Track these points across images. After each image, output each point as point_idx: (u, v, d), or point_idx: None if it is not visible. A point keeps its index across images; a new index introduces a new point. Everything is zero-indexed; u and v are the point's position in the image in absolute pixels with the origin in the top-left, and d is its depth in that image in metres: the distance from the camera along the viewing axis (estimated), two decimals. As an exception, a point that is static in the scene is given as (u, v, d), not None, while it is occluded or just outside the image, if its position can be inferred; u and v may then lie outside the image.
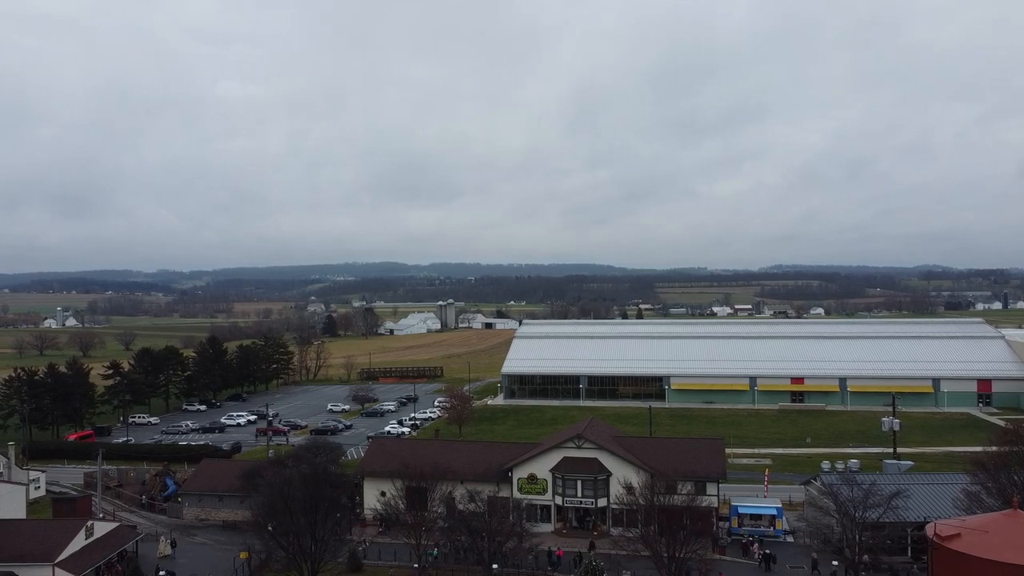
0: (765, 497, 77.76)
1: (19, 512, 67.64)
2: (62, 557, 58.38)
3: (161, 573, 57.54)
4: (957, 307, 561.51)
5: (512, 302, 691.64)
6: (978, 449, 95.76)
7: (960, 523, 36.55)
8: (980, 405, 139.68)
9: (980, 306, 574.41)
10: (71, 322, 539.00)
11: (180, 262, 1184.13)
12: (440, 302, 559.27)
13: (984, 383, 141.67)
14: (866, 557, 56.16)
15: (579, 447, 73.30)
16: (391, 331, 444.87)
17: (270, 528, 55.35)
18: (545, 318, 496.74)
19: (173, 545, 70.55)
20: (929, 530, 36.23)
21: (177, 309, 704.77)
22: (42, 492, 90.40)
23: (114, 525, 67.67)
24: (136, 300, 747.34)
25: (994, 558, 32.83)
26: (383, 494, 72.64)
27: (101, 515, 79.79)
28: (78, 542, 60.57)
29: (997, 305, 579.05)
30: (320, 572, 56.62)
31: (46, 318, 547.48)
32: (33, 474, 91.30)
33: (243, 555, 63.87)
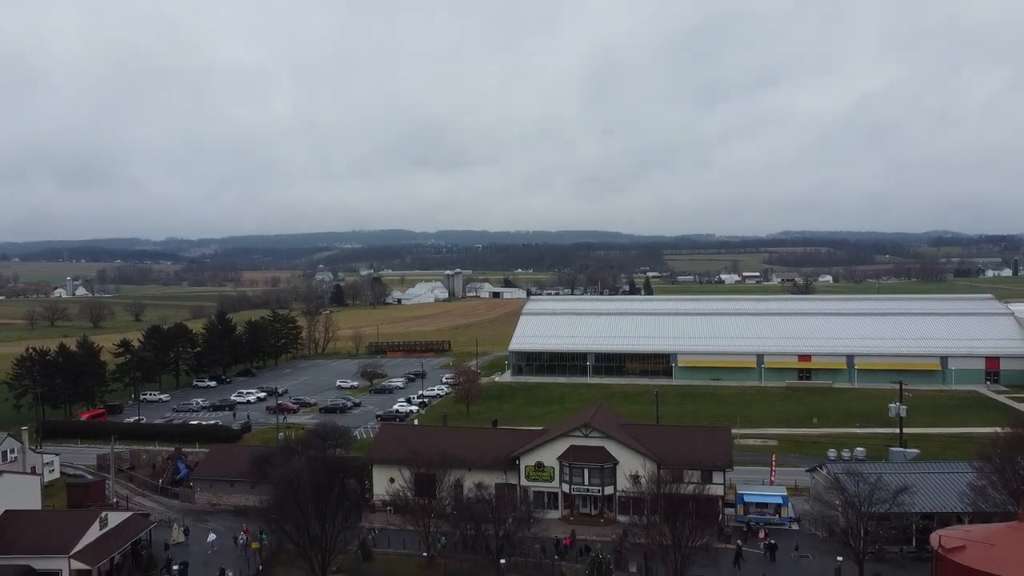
0: (771, 483, 78.23)
1: (34, 502, 68.55)
2: (77, 549, 59.32)
3: (175, 567, 58.41)
4: (967, 274, 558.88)
5: (519, 270, 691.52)
6: (985, 430, 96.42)
7: (965, 533, 36.75)
8: (988, 383, 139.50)
9: (990, 273, 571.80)
10: (81, 291, 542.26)
11: (188, 230, 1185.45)
12: (447, 271, 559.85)
13: (992, 360, 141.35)
14: (871, 549, 56.76)
15: (586, 435, 73.74)
16: (399, 300, 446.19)
17: (281, 525, 55.97)
18: (552, 286, 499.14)
19: (186, 532, 71.58)
20: (934, 540, 36.45)
21: (186, 278, 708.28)
22: (56, 475, 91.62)
23: (128, 514, 68.62)
24: (145, 269, 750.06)
25: (999, 573, 33.04)
26: (392, 480, 73.64)
27: (115, 500, 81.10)
28: (93, 533, 61.48)
29: (1007, 272, 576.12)
30: (331, 561, 57.44)
31: (56, 288, 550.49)
32: (47, 456, 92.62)
33: (254, 545, 64.88)
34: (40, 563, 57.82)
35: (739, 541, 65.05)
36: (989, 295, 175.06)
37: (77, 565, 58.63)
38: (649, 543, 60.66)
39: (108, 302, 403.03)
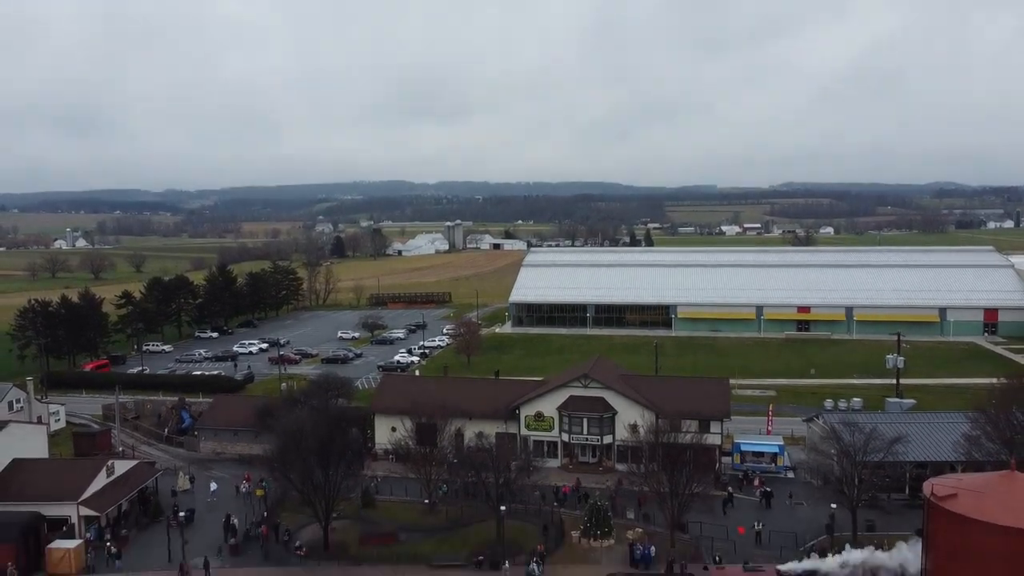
0: (768, 434, 79.22)
1: (41, 451, 69.60)
2: (85, 496, 60.44)
3: (181, 514, 59.51)
4: (968, 226, 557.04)
5: (520, 221, 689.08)
6: (982, 381, 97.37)
7: (957, 482, 37.34)
8: (986, 334, 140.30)
9: (992, 225, 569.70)
10: (81, 243, 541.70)
11: (187, 182, 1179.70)
12: (448, 223, 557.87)
13: (991, 312, 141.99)
14: (864, 497, 57.75)
15: (585, 386, 74.47)
16: (399, 252, 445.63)
17: (285, 473, 56.90)
18: (553, 238, 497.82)
19: (192, 480, 72.79)
20: (926, 488, 37.08)
21: (186, 229, 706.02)
22: (62, 424, 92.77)
23: (134, 463, 69.76)
24: (144, 220, 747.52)
25: (989, 520, 33.68)
26: (393, 430, 74.55)
27: (121, 449, 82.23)
28: (100, 480, 62.55)
29: (1009, 224, 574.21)
30: (334, 508, 58.55)
31: (56, 239, 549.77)
32: (53, 406, 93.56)
33: (259, 492, 66.05)
34: (49, 510, 58.90)
35: (729, 488, 66.18)
36: (990, 247, 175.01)
37: (86, 511, 59.80)
38: (642, 490, 61.99)
39: (109, 254, 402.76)
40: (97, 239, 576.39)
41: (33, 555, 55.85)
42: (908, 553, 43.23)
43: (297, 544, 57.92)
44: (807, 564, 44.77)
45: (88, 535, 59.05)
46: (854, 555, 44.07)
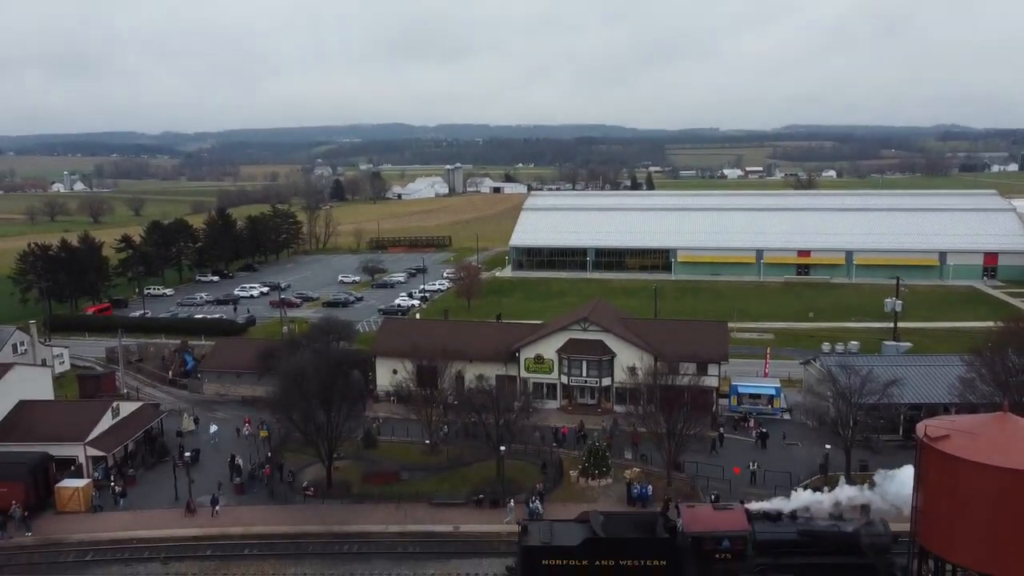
0: (766, 376, 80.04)
1: (47, 393, 70.47)
2: (92, 436, 61.45)
3: (187, 454, 60.49)
4: (972, 169, 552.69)
5: (520, 165, 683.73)
6: (979, 325, 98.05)
7: (950, 424, 37.79)
8: (985, 278, 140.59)
9: (996, 168, 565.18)
10: (79, 186, 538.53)
11: (184, 124, 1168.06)
12: (448, 166, 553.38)
13: (991, 256, 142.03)
14: (859, 438, 58.70)
15: (585, 329, 74.99)
16: (399, 196, 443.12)
17: (288, 415, 57.68)
18: (553, 181, 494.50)
19: (196, 421, 73.85)
20: (919, 429, 37.53)
21: (184, 172, 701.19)
22: (66, 367, 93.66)
23: (139, 404, 70.71)
24: (142, 163, 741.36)
25: (980, 460, 34.20)
26: (394, 372, 75.46)
27: (125, 391, 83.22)
28: (106, 422, 63.49)
29: (1013, 167, 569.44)
30: (336, 449, 59.56)
31: (54, 182, 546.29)
32: (56, 349, 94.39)
33: (263, 433, 67.09)
34: (57, 450, 59.86)
35: (720, 429, 67.13)
36: (992, 190, 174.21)
37: (92, 451, 60.85)
38: (635, 430, 63.14)
39: (107, 197, 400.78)
40: (95, 182, 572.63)
41: (43, 493, 57.01)
42: (872, 494, 44.09)
43: (305, 484, 59.06)
44: (771, 504, 45.82)
45: (96, 475, 60.19)
46: (812, 496, 45.05)
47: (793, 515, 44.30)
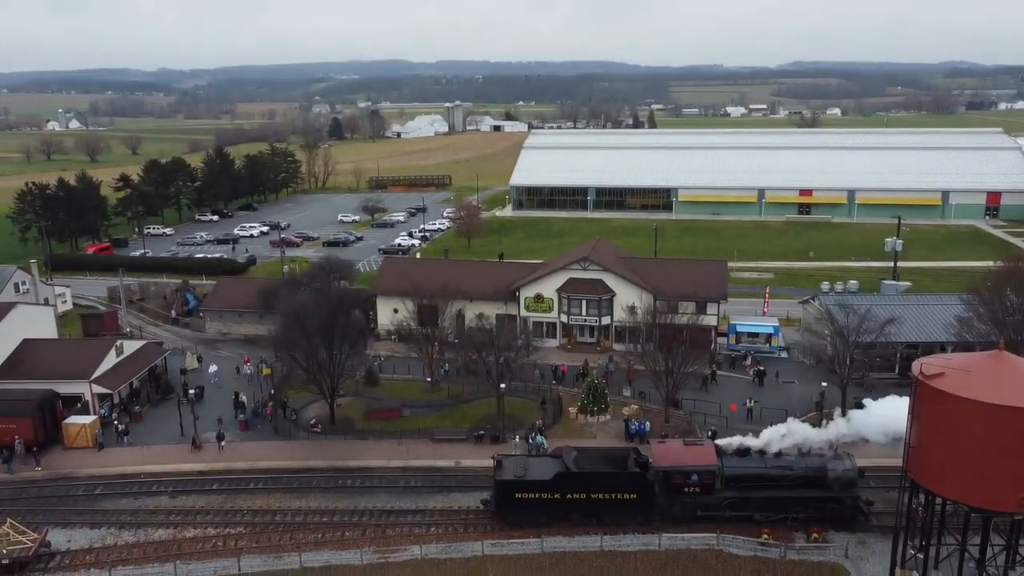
0: (764, 315, 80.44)
1: (50, 332, 70.91)
2: (97, 374, 62.14)
3: (191, 392, 61.28)
4: (979, 107, 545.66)
5: (521, 103, 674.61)
6: (979, 264, 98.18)
7: (945, 361, 38.15)
8: (987, 218, 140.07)
9: (1003, 106, 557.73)
10: (74, 124, 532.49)
11: (179, 60, 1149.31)
12: (447, 104, 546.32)
13: (994, 195, 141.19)
14: (855, 376, 59.34)
15: (585, 268, 75.08)
16: (398, 134, 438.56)
17: (290, 353, 58.18)
18: (554, 120, 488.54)
19: (199, 359, 74.55)
20: (915, 367, 37.92)
21: (180, 110, 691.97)
22: (69, 306, 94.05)
23: (142, 343, 71.26)
24: (137, 101, 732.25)
25: (974, 397, 34.65)
26: (395, 311, 75.86)
27: (128, 330, 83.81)
28: (110, 360, 64.10)
29: (1021, 104, 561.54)
30: (339, 387, 60.32)
31: (49, 120, 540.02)
32: (58, 289, 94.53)
33: (266, 371, 67.80)
34: (62, 388, 60.59)
35: (713, 367, 67.77)
36: (998, 128, 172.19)
37: (98, 389, 61.61)
38: (630, 366, 63.96)
39: (103, 136, 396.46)
40: (90, 120, 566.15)
41: (50, 430, 57.95)
42: (844, 427, 45.02)
43: (312, 421, 59.95)
44: (741, 440, 46.87)
45: (102, 412, 61.09)
46: (782, 429, 45.93)
47: (762, 451, 45.42)
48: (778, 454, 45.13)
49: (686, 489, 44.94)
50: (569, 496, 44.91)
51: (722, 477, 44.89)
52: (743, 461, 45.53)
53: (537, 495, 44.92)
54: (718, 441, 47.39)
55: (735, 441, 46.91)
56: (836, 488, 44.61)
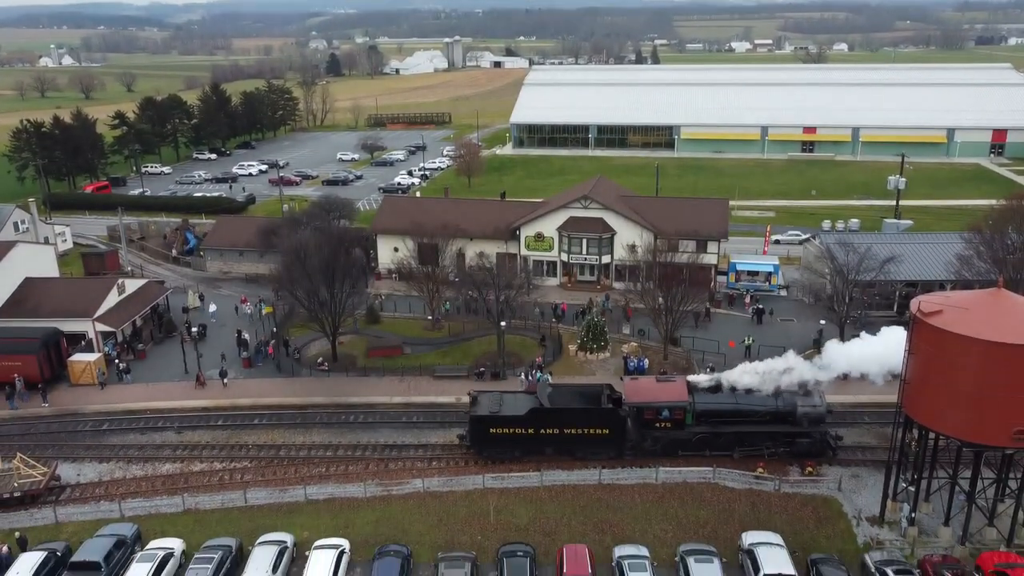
0: (764, 254, 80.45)
1: (51, 271, 70.97)
2: (100, 313, 62.51)
3: (194, 330, 61.73)
4: (989, 42, 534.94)
5: (522, 38, 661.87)
6: (982, 203, 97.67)
7: (944, 299, 38.31)
8: (992, 156, 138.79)
9: (1013, 41, 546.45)
10: (67, 60, 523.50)
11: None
12: (447, 39, 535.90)
13: (999, 133, 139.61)
14: (853, 313, 59.66)
15: (585, 207, 74.79)
16: (397, 71, 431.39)
17: (291, 291, 58.40)
18: (556, 56, 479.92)
19: (201, 298, 74.88)
20: (913, 305, 38.09)
21: (174, 46, 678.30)
22: (69, 245, 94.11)
23: (144, 281, 71.43)
24: (131, 36, 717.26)
25: (971, 334, 34.89)
26: (396, 250, 75.96)
27: (130, 269, 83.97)
28: (112, 298, 64.44)
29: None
30: (340, 324, 60.75)
31: (41, 56, 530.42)
32: (58, 227, 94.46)
33: (268, 309, 68.18)
34: (65, 326, 61.05)
35: (707, 305, 68.06)
36: (1007, 64, 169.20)
37: (101, 327, 62.07)
38: (627, 303, 64.43)
39: (97, 72, 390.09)
40: (83, 56, 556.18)
41: (56, 367, 58.59)
42: (809, 365, 44.99)
43: (320, 360, 60.47)
44: (712, 376, 47.46)
45: (106, 349, 61.66)
46: (752, 366, 46.37)
47: (733, 388, 46.01)
48: (749, 390, 45.72)
49: (658, 424, 45.84)
50: (543, 431, 45.82)
51: (693, 412, 45.72)
52: (714, 397, 46.27)
53: (511, 430, 45.83)
54: (690, 377, 48.03)
55: (706, 377, 47.59)
56: (805, 424, 45.54)
